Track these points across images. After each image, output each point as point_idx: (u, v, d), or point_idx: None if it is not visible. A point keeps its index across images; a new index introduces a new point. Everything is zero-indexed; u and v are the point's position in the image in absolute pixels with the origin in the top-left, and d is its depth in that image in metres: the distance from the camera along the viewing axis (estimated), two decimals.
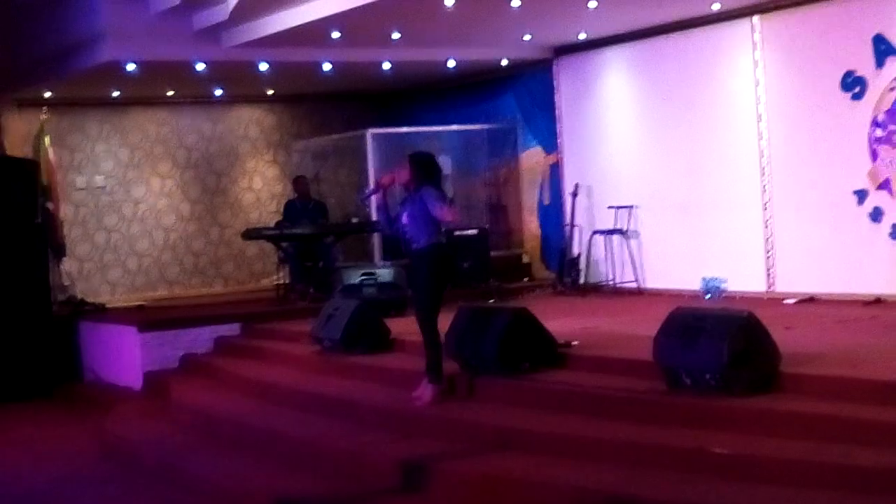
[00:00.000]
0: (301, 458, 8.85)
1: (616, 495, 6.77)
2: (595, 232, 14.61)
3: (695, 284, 13.01)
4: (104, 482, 9.44)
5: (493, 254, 15.93)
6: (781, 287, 12.56)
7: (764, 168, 12.70)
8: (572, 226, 14.87)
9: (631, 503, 6.67)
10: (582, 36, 14.41)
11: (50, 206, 15.72)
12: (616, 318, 11.65)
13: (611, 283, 14.42)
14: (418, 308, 9.28)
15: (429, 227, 9.03)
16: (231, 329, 13.62)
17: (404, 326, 11.03)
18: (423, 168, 9.15)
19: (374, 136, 16.34)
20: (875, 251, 11.65)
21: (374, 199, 9.36)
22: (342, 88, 17.57)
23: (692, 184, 13.63)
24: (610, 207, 14.44)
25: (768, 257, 12.73)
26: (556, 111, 15.60)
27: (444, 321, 9.80)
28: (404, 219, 9.16)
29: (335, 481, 8.23)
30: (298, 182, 16.18)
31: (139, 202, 17.51)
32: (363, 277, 14.21)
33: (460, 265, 15.18)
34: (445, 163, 16.74)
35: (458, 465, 7.83)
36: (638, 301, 13.39)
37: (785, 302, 12.03)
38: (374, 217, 9.59)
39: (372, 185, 9.56)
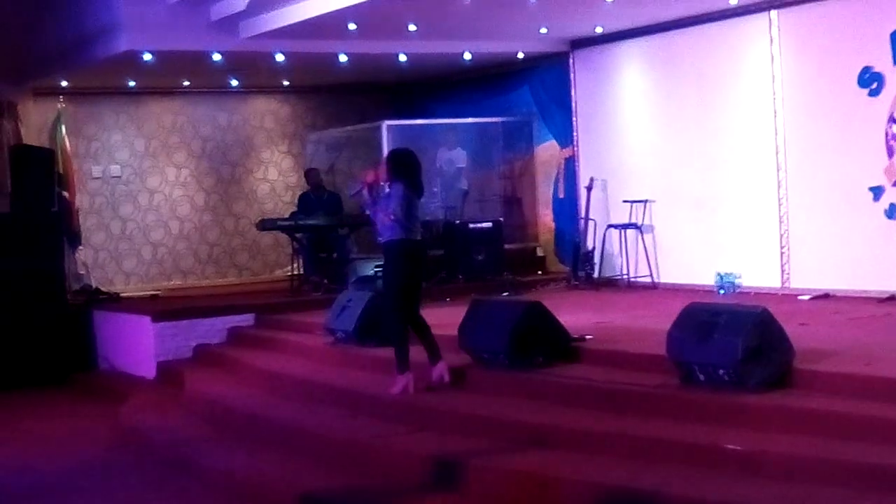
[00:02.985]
0: (314, 449, 8.87)
1: (628, 490, 6.78)
2: (609, 226, 14.59)
3: (709, 280, 12.99)
4: (118, 472, 9.46)
5: (507, 247, 15.93)
6: (796, 283, 12.53)
7: (779, 164, 12.66)
8: (587, 220, 14.85)
9: (643, 499, 6.67)
10: (599, 29, 14.39)
11: (65, 194, 15.79)
12: (630, 313, 11.64)
13: (625, 277, 14.41)
14: (385, 299, 9.64)
15: (391, 222, 9.24)
16: (245, 320, 13.65)
17: None
18: (397, 164, 9.38)
19: (390, 127, 16.31)
20: (890, 248, 11.60)
21: (363, 196, 9.60)
22: (358, 80, 17.57)
23: (707, 179, 13.61)
24: (625, 202, 14.43)
25: (783, 253, 12.70)
26: (572, 105, 15.57)
27: (457, 314, 9.87)
28: (378, 213, 9.43)
29: (348, 473, 8.24)
30: (310, 174, 16.21)
31: (154, 192, 17.56)
32: (377, 269, 14.22)
33: (474, 258, 15.23)
34: (460, 155, 16.76)
35: (473, 460, 7.82)
36: (652, 296, 13.37)
37: (799, 298, 12.00)
38: (367, 212, 9.87)
39: (357, 183, 9.81)
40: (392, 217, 9.22)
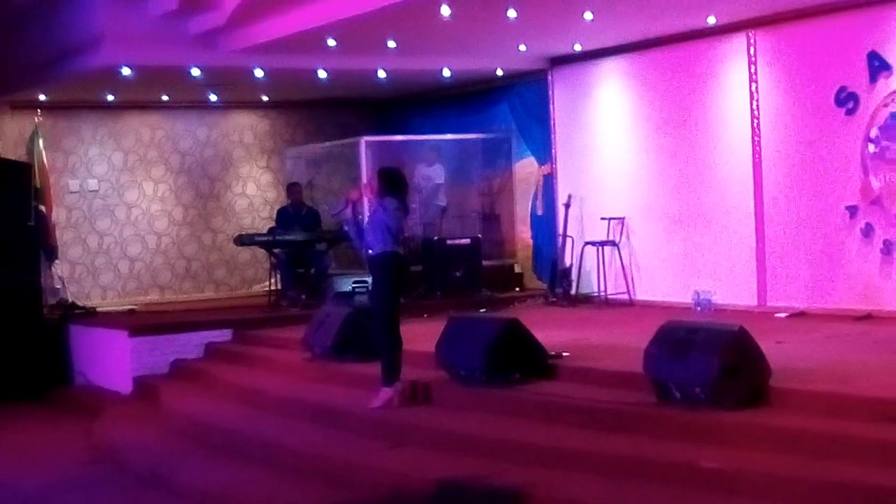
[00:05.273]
0: (291, 465, 8.84)
1: None
2: (587, 243, 14.61)
3: (686, 297, 13.03)
4: (93, 487, 9.42)
5: (485, 263, 15.94)
6: (772, 301, 12.58)
7: (756, 182, 12.71)
8: (564, 236, 14.87)
9: None
10: (577, 47, 14.42)
11: (43, 208, 15.73)
12: (607, 330, 11.66)
13: (602, 294, 14.42)
14: (375, 311, 9.77)
15: (385, 235, 9.45)
16: (222, 335, 13.62)
17: None
18: (387, 180, 9.70)
19: (368, 143, 16.31)
20: (866, 266, 11.67)
21: (346, 214, 9.77)
22: (337, 96, 17.57)
23: (685, 196, 13.65)
24: (602, 219, 14.45)
25: (760, 271, 12.74)
26: (551, 122, 15.61)
27: (434, 330, 9.90)
28: (366, 227, 9.70)
29: (325, 490, 8.22)
30: (292, 189, 16.19)
31: (132, 206, 17.50)
32: (355, 285, 14.23)
33: (452, 274, 15.24)
34: (439, 172, 16.76)
35: (445, 474, 7.83)
36: (629, 313, 13.40)
37: (776, 316, 12.03)
38: (346, 229, 10.05)
39: (342, 200, 10.01)
40: (388, 230, 9.41)
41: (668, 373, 8.03)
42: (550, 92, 15.58)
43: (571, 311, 13.90)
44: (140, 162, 17.57)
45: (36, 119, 16.37)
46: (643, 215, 14.20)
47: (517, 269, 16.76)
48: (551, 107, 15.59)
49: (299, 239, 15.07)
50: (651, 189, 14.11)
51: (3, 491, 9.36)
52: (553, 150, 15.64)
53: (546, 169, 15.92)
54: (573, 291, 14.66)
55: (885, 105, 11.36)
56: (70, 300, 15.95)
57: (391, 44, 13.40)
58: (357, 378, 10.42)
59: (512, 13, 11.75)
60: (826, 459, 6.72)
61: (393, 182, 9.67)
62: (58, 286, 16.17)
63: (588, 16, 12.06)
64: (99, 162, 17.30)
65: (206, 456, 9.67)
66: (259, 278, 17.56)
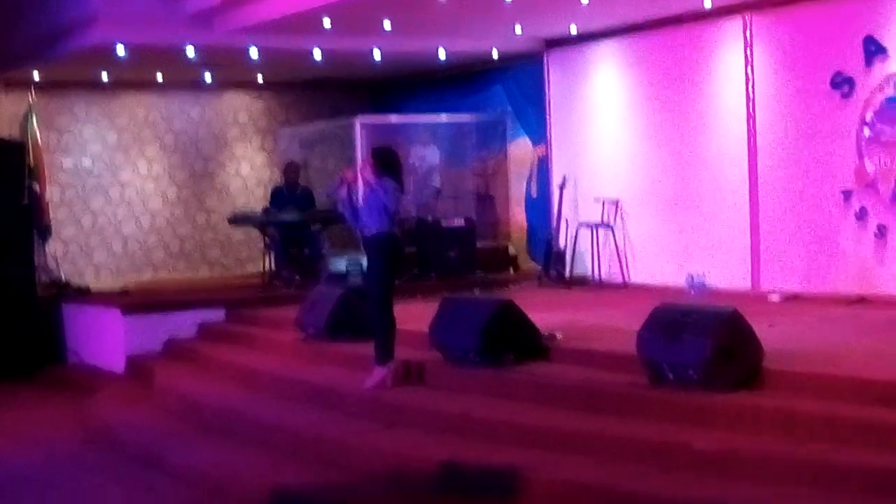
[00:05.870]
0: (284, 445, 8.86)
1: (598, 488, 6.81)
2: (581, 225, 14.61)
3: (680, 279, 13.03)
4: (87, 467, 9.42)
5: (479, 245, 15.94)
6: (766, 284, 12.59)
7: (751, 165, 12.72)
8: (559, 218, 14.87)
9: (612, 497, 6.70)
10: (573, 29, 14.40)
11: (36, 187, 15.70)
12: (601, 312, 11.66)
13: (596, 276, 14.42)
14: (370, 292, 9.80)
15: (381, 216, 9.47)
16: (215, 314, 13.60)
17: None
18: (383, 160, 9.66)
19: (363, 124, 16.29)
20: (860, 250, 11.69)
21: (342, 194, 9.76)
22: (332, 76, 17.55)
23: (680, 179, 13.65)
24: (597, 201, 14.45)
25: (754, 254, 12.76)
26: (546, 104, 15.59)
27: (428, 311, 9.91)
28: (361, 207, 9.71)
29: (319, 469, 8.23)
30: (289, 168, 16.14)
31: (126, 185, 17.47)
32: (349, 265, 14.22)
33: (447, 255, 15.24)
34: (434, 153, 16.75)
35: (439, 455, 7.84)
36: (623, 295, 13.40)
37: (770, 299, 12.05)
38: (340, 209, 10.04)
39: (337, 181, 9.99)
40: (385, 211, 9.42)
41: (661, 354, 8.04)
42: (546, 74, 15.56)
43: (565, 293, 13.90)
44: (134, 141, 17.54)
45: (30, 98, 16.31)
46: (638, 198, 14.20)
47: (511, 251, 16.76)
48: (546, 89, 15.57)
49: (293, 219, 15.05)
50: (646, 171, 14.11)
51: None
52: (548, 132, 15.62)
53: (541, 150, 15.92)
54: (567, 273, 14.67)
55: (881, 89, 11.37)
56: (64, 279, 15.92)
57: (387, 25, 13.37)
58: (350, 358, 10.42)
59: None
60: (818, 441, 6.76)
61: (389, 162, 9.66)
62: (51, 265, 16.14)
63: None
64: (93, 141, 17.26)
65: (200, 436, 9.68)
66: (253, 258, 17.54)
